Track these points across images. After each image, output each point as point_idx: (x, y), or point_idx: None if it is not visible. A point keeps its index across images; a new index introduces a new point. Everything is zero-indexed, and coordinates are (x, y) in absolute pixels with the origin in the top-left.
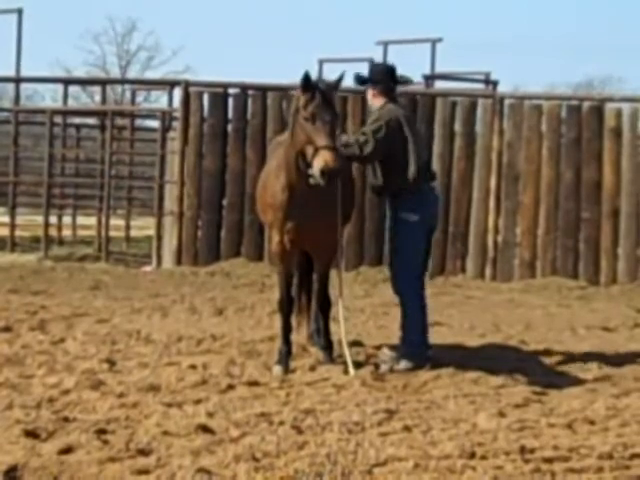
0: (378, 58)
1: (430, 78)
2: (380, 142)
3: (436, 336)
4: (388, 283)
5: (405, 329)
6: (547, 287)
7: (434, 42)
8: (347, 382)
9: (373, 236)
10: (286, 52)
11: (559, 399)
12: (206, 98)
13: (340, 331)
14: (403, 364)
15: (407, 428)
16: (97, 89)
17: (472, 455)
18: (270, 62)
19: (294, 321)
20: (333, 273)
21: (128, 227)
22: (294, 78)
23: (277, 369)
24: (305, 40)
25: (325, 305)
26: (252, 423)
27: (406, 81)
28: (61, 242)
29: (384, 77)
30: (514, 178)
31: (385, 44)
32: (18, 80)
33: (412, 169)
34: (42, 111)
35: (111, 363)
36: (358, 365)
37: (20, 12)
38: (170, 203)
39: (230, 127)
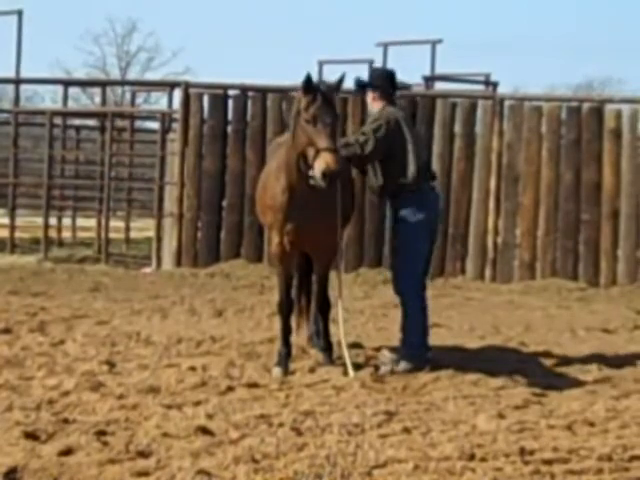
0: (378, 59)
1: (430, 79)
2: (380, 141)
3: (436, 337)
4: (388, 285)
5: (405, 330)
6: (547, 288)
7: (434, 43)
8: (347, 384)
9: (373, 238)
10: (286, 53)
11: (559, 401)
12: (206, 99)
13: (339, 333)
14: (402, 366)
15: (407, 430)
16: (97, 90)
17: (472, 457)
18: (270, 63)
19: (294, 323)
20: (332, 275)
21: (128, 229)
22: (294, 79)
23: (277, 371)
24: (305, 41)
25: (325, 307)
26: (252, 425)
27: (404, 87)
28: (61, 244)
29: (384, 82)
30: (514, 179)
31: (385, 45)
32: (18, 81)
33: (412, 169)
34: (42, 112)
35: (111, 365)
36: (358, 367)
37: (20, 13)
38: (170, 204)
39: (230, 128)
